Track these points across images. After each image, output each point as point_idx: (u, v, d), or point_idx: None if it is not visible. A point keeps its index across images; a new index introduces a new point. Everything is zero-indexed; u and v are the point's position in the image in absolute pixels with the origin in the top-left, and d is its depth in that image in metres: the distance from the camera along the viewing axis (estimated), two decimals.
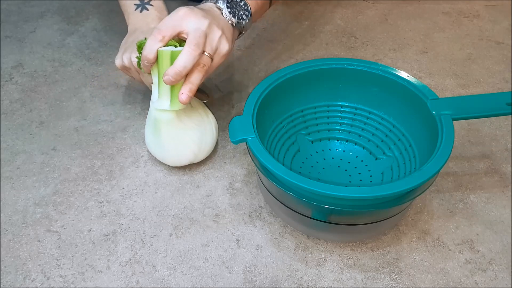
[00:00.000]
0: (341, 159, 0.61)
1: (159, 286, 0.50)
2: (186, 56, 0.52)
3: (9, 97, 0.73)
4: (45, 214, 0.57)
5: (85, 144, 0.65)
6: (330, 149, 0.62)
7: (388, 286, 0.50)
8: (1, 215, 0.57)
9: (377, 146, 0.60)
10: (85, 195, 0.59)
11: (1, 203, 0.58)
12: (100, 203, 0.58)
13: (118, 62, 0.64)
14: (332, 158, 0.61)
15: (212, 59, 0.55)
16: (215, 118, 0.62)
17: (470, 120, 0.63)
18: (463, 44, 0.83)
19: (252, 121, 0.51)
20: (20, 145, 0.65)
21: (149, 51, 0.53)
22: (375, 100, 0.60)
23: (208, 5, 0.58)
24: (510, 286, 0.50)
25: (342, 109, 0.62)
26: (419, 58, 0.80)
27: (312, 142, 0.62)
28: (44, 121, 0.69)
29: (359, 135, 0.62)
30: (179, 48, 0.53)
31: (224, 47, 0.55)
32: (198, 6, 0.58)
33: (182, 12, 0.54)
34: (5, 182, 0.61)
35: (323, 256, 0.53)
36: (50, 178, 0.61)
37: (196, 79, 0.54)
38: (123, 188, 0.60)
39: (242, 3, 0.59)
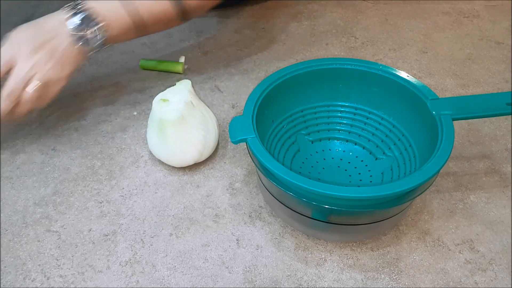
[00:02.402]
0: (341, 159, 0.61)
1: (159, 286, 0.50)
2: None
3: None
4: (45, 214, 0.57)
5: (85, 144, 0.65)
6: (330, 149, 0.62)
7: (388, 286, 0.50)
8: (1, 215, 0.57)
9: (377, 146, 0.60)
10: (85, 195, 0.59)
11: (1, 203, 0.58)
12: (100, 203, 0.58)
13: None
14: (332, 158, 0.61)
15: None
16: (215, 117, 0.62)
17: (470, 120, 0.63)
18: (463, 44, 0.83)
19: (252, 121, 0.51)
20: (20, 145, 0.65)
21: None
22: (375, 100, 0.60)
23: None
24: (510, 286, 0.50)
25: (342, 109, 0.62)
26: (419, 58, 0.80)
27: (312, 142, 0.62)
28: (44, 121, 0.69)
29: (359, 135, 0.62)
30: None
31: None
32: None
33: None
34: (5, 182, 0.61)
35: (323, 256, 0.53)
36: (50, 178, 0.61)
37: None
38: (123, 188, 0.60)
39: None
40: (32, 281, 0.51)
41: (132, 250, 0.53)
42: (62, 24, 0.52)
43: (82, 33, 0.53)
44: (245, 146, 0.64)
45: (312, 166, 0.60)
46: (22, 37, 0.54)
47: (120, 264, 0.52)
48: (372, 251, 0.53)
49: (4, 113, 0.56)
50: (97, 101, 0.72)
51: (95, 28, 0.52)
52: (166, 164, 0.62)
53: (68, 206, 0.58)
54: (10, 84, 0.55)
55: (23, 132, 0.67)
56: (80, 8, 0.52)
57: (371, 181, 0.58)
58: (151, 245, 0.54)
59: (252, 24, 0.88)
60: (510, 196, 0.58)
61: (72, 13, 0.51)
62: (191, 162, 0.60)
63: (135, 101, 0.72)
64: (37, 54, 0.53)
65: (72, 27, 0.52)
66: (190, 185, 0.60)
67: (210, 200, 0.58)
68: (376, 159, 0.60)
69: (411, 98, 0.55)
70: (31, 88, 0.54)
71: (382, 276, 0.51)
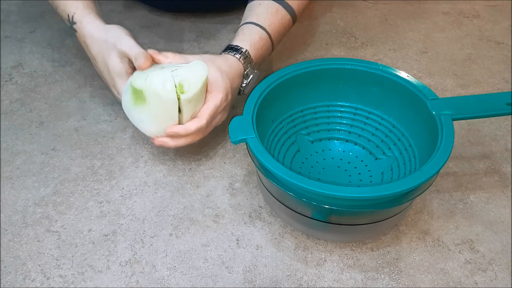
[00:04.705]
0: (341, 159, 0.61)
1: (159, 286, 0.50)
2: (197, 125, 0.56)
3: (9, 97, 0.73)
4: (45, 214, 0.57)
5: (85, 144, 0.65)
6: (330, 149, 0.62)
7: (388, 286, 0.50)
8: (1, 215, 0.57)
9: (377, 146, 0.60)
10: (85, 195, 0.59)
11: (1, 203, 0.58)
12: (100, 203, 0.58)
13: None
14: (332, 158, 0.61)
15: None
16: None
17: (470, 120, 0.63)
18: (463, 44, 0.83)
19: (252, 121, 0.51)
20: (20, 145, 0.65)
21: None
22: (375, 100, 0.60)
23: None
24: (510, 286, 0.50)
25: (342, 109, 0.62)
26: (419, 58, 0.80)
27: (312, 142, 0.62)
28: (44, 121, 0.69)
29: (359, 135, 0.62)
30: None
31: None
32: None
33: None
34: (5, 182, 0.61)
35: (323, 256, 0.53)
36: (50, 178, 0.61)
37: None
38: (123, 188, 0.60)
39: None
40: (32, 281, 0.51)
41: (132, 250, 0.53)
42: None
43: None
44: (245, 146, 0.64)
45: (312, 166, 0.60)
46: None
47: (120, 264, 0.52)
48: (372, 251, 0.53)
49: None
50: (97, 101, 0.72)
51: (253, 72, 0.63)
52: (166, 164, 0.62)
53: (68, 206, 0.58)
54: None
55: (23, 132, 0.67)
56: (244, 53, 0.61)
57: (371, 181, 0.58)
58: (151, 245, 0.54)
59: None
60: (510, 196, 0.58)
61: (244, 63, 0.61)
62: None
63: None
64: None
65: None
66: (190, 185, 0.60)
67: (210, 200, 0.58)
68: (376, 159, 0.60)
69: (411, 98, 0.55)
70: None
71: (382, 276, 0.51)
